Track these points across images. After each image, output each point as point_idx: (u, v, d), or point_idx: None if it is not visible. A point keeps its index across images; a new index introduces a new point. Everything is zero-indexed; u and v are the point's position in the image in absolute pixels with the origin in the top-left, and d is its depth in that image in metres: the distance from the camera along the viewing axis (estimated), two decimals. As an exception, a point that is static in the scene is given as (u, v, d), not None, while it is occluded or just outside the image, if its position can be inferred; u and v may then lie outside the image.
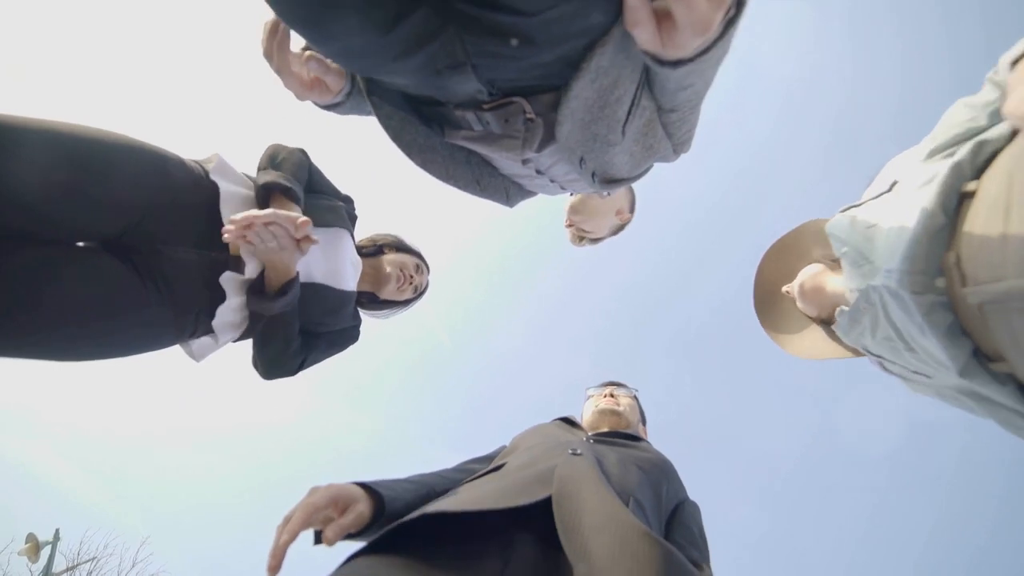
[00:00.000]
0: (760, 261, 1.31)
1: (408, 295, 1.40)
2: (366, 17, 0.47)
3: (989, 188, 0.67)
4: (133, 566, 10.00)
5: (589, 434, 1.06)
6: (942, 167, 0.73)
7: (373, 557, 0.58)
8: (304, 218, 0.96)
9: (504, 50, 0.50)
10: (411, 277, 1.37)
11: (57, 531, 7.52)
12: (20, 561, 7.46)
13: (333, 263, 1.19)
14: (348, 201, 1.34)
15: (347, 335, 1.32)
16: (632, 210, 1.43)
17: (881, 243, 0.82)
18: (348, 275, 1.23)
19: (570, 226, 1.41)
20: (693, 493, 0.98)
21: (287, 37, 0.66)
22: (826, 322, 1.15)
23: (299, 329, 1.15)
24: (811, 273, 1.14)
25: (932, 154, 0.79)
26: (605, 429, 1.12)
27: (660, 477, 0.88)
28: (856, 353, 1.09)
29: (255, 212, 0.92)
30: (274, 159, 1.13)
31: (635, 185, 1.30)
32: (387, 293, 1.37)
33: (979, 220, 0.66)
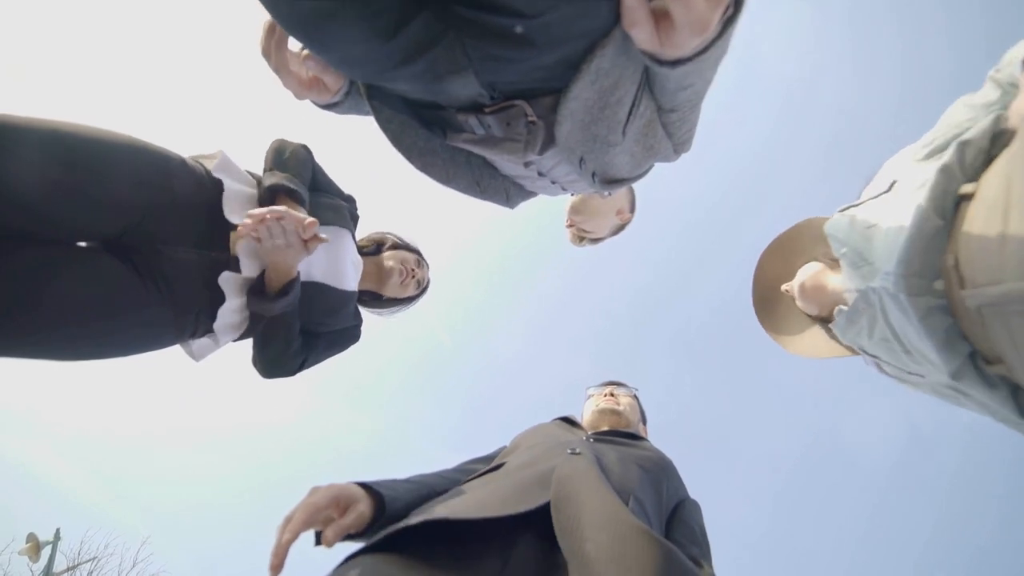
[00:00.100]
0: (759, 259, 1.31)
1: (411, 291, 1.41)
2: (367, 26, 0.47)
3: (987, 190, 0.67)
4: (134, 566, 10.01)
5: (589, 433, 1.06)
6: (934, 169, 0.73)
7: (373, 556, 0.58)
8: (312, 219, 0.97)
9: (505, 53, 0.50)
10: (413, 271, 1.37)
11: (58, 531, 7.54)
12: (21, 561, 7.48)
13: (334, 262, 1.19)
14: (350, 200, 1.34)
15: (348, 335, 1.32)
16: (632, 210, 1.43)
17: (880, 244, 0.82)
18: (349, 275, 1.23)
19: (571, 226, 1.41)
20: (693, 493, 0.98)
21: (285, 36, 0.66)
22: (826, 320, 1.15)
23: (300, 329, 1.16)
24: (812, 272, 1.14)
25: (930, 155, 0.79)
26: (605, 428, 1.12)
27: (660, 476, 0.88)
28: (855, 352, 1.09)
29: (268, 208, 0.93)
30: (279, 156, 1.14)
31: (635, 185, 1.30)
32: (390, 290, 1.37)
33: (977, 222, 0.66)
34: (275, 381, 1.20)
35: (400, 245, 1.43)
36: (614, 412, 1.16)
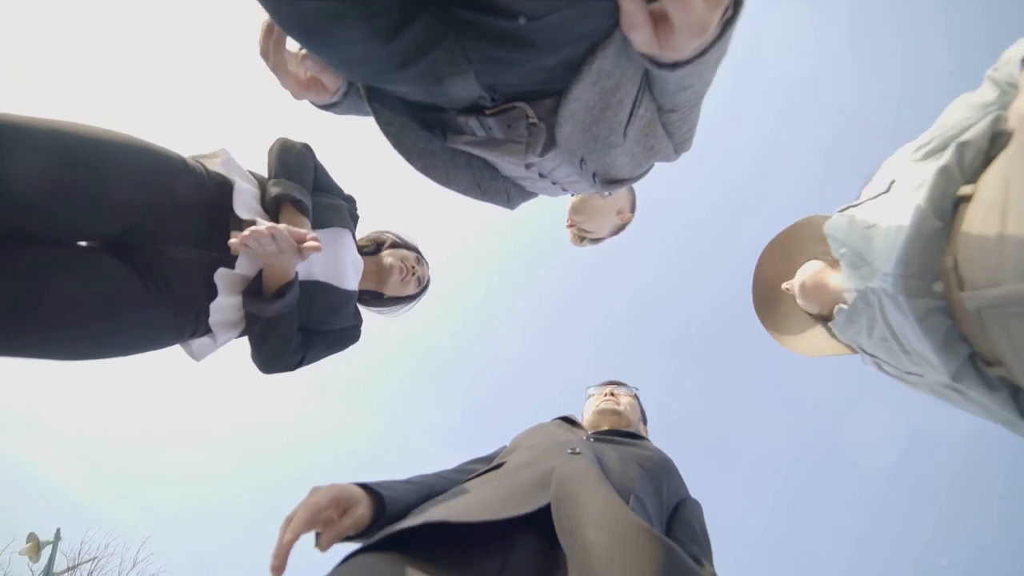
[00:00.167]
0: (759, 258, 1.31)
1: (412, 288, 1.41)
2: (367, 26, 0.47)
3: (986, 192, 0.67)
4: (134, 566, 10.00)
5: (589, 433, 1.06)
6: (933, 170, 0.73)
7: (372, 555, 0.58)
8: (311, 235, 0.98)
9: (505, 55, 0.50)
10: (413, 269, 1.38)
11: (58, 531, 7.54)
12: (21, 561, 7.48)
13: (334, 262, 1.19)
14: (351, 201, 1.34)
15: (348, 334, 1.32)
16: (633, 210, 1.43)
17: (879, 245, 0.82)
18: (349, 274, 1.23)
19: (571, 226, 1.41)
20: (693, 492, 0.98)
21: (283, 36, 0.66)
22: (826, 319, 1.15)
23: (299, 327, 1.16)
24: (812, 271, 1.14)
25: (929, 154, 0.79)
26: (606, 428, 1.12)
27: (661, 475, 0.88)
28: (855, 350, 1.09)
29: (259, 228, 0.93)
30: (284, 160, 1.14)
31: (636, 184, 1.30)
32: (391, 288, 1.37)
33: (976, 224, 0.66)
34: (275, 377, 1.20)
35: (399, 243, 1.43)
36: (614, 412, 1.16)
